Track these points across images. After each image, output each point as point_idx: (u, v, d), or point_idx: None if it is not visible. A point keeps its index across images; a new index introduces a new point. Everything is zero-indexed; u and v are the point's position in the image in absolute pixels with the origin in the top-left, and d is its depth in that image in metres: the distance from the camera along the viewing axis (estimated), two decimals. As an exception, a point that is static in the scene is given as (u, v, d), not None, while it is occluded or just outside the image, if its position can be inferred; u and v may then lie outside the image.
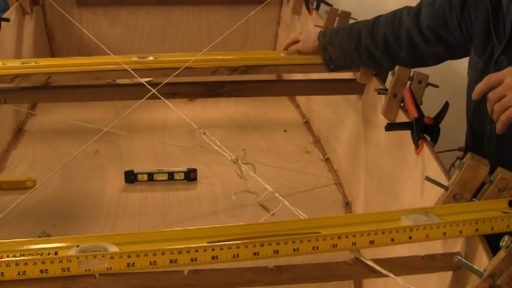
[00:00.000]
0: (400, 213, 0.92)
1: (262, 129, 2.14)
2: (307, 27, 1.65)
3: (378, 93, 1.42)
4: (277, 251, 0.83)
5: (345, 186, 1.76)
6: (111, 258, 0.80)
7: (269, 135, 2.10)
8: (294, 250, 0.84)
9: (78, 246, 0.83)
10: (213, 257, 0.82)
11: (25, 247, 0.84)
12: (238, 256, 0.82)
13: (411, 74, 1.34)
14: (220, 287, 0.89)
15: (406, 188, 1.26)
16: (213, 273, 0.88)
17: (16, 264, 0.79)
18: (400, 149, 1.32)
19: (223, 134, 2.02)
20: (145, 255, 0.80)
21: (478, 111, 1.24)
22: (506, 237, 0.77)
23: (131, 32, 2.66)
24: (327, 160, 1.92)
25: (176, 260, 0.81)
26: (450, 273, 0.93)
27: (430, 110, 1.24)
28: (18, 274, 0.79)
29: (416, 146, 1.18)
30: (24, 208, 1.48)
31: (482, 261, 0.85)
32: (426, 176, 1.00)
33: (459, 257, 0.84)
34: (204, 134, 1.32)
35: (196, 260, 0.81)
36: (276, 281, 0.89)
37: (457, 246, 0.94)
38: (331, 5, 2.01)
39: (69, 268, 0.79)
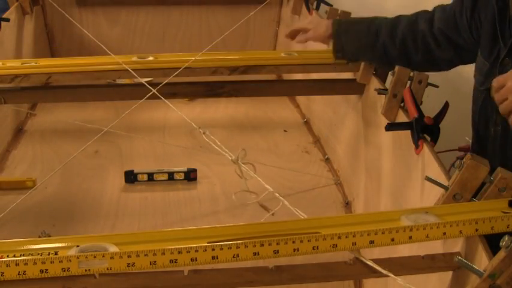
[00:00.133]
0: (400, 213, 0.92)
1: (262, 129, 2.14)
2: (313, 17, 1.58)
3: (378, 93, 1.42)
4: (277, 251, 0.83)
5: (345, 186, 1.76)
6: (111, 258, 0.80)
7: (269, 135, 2.10)
8: (294, 250, 0.84)
9: (78, 246, 0.83)
10: (213, 257, 0.82)
11: (25, 247, 0.84)
12: (238, 256, 0.82)
13: (411, 74, 1.34)
14: (220, 287, 0.89)
15: (406, 188, 1.26)
16: (213, 273, 0.88)
17: (16, 264, 0.79)
18: (400, 149, 1.32)
19: (223, 134, 2.02)
20: (145, 255, 0.80)
21: (483, 114, 1.24)
22: (506, 237, 0.77)
23: (131, 32, 2.66)
24: (327, 160, 1.92)
25: (176, 260, 0.81)
26: (450, 273, 0.93)
27: (430, 110, 1.24)
28: (18, 274, 0.79)
29: (416, 146, 1.18)
30: (24, 208, 1.48)
31: (482, 261, 0.85)
32: (426, 176, 1.00)
33: (459, 257, 0.84)
34: (204, 134, 1.32)
35: (196, 260, 0.81)
36: (276, 281, 0.89)
37: (457, 246, 0.94)
38: (331, 5, 2.01)
39: (69, 268, 0.79)
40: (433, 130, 1.20)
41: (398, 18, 1.46)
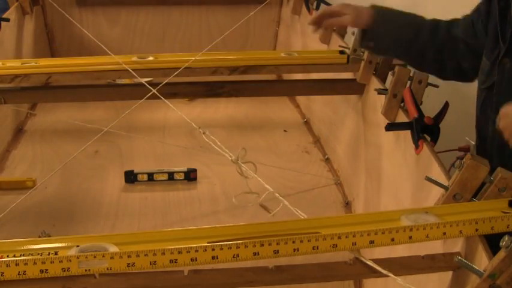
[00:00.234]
0: (400, 213, 0.92)
1: (262, 129, 2.14)
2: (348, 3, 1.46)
3: (378, 93, 1.42)
4: (277, 251, 0.83)
5: (345, 186, 1.76)
6: (111, 258, 0.80)
7: (269, 135, 2.10)
8: (294, 250, 0.83)
9: (78, 246, 0.83)
10: (213, 257, 0.82)
11: (25, 247, 0.84)
12: (238, 256, 0.82)
13: (411, 74, 1.34)
14: (220, 287, 0.89)
15: (406, 188, 1.26)
16: (213, 273, 0.88)
17: (16, 264, 0.79)
18: (400, 149, 1.32)
19: (223, 134, 2.02)
20: (145, 255, 0.80)
21: (483, 113, 1.24)
22: (506, 237, 0.77)
23: (131, 32, 2.65)
24: (327, 160, 1.92)
25: (176, 260, 0.81)
26: (450, 273, 0.93)
27: (430, 110, 1.24)
28: (18, 274, 0.79)
29: (416, 146, 1.18)
30: (24, 208, 1.48)
31: (482, 261, 0.85)
32: (426, 176, 1.01)
33: (459, 257, 0.84)
34: (204, 133, 1.32)
35: (196, 260, 0.81)
36: (276, 281, 0.89)
37: (457, 246, 0.94)
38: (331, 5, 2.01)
39: (69, 268, 0.79)
40: (433, 130, 1.20)
41: (439, 22, 1.40)
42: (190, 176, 1.76)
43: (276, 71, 1.80)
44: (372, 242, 0.85)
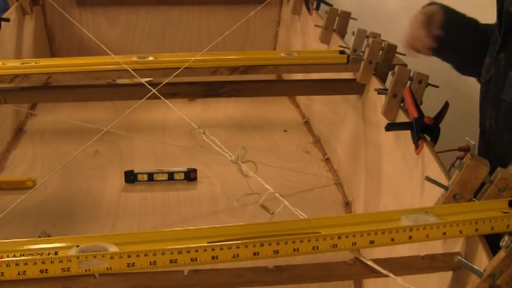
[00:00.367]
0: (400, 213, 0.92)
1: (262, 129, 2.14)
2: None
3: (378, 93, 1.42)
4: (277, 251, 0.83)
5: (345, 186, 1.76)
6: (111, 258, 0.80)
7: (269, 135, 2.10)
8: (294, 250, 0.83)
9: (78, 246, 0.83)
10: (213, 257, 0.82)
11: (25, 247, 0.84)
12: (238, 256, 0.82)
13: (411, 74, 1.34)
14: (220, 287, 0.89)
15: (406, 188, 1.26)
16: (213, 273, 0.88)
17: (16, 264, 0.79)
18: (400, 149, 1.32)
19: (223, 134, 2.02)
20: (145, 255, 0.80)
21: (483, 107, 1.25)
22: (506, 237, 0.77)
23: (131, 32, 2.66)
24: (327, 160, 1.92)
25: (176, 260, 0.81)
26: (450, 273, 0.93)
27: (430, 110, 1.24)
28: (18, 274, 0.79)
29: (416, 146, 1.18)
30: (24, 208, 1.48)
31: (482, 261, 0.85)
32: (426, 176, 1.00)
33: (459, 257, 0.84)
34: (204, 133, 1.32)
35: (196, 260, 0.81)
36: (276, 281, 0.89)
37: (457, 246, 0.94)
38: (331, 5, 2.01)
39: (69, 268, 0.79)
40: (433, 130, 1.20)
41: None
42: (190, 176, 1.76)
43: (276, 71, 1.80)
44: (372, 242, 0.85)
